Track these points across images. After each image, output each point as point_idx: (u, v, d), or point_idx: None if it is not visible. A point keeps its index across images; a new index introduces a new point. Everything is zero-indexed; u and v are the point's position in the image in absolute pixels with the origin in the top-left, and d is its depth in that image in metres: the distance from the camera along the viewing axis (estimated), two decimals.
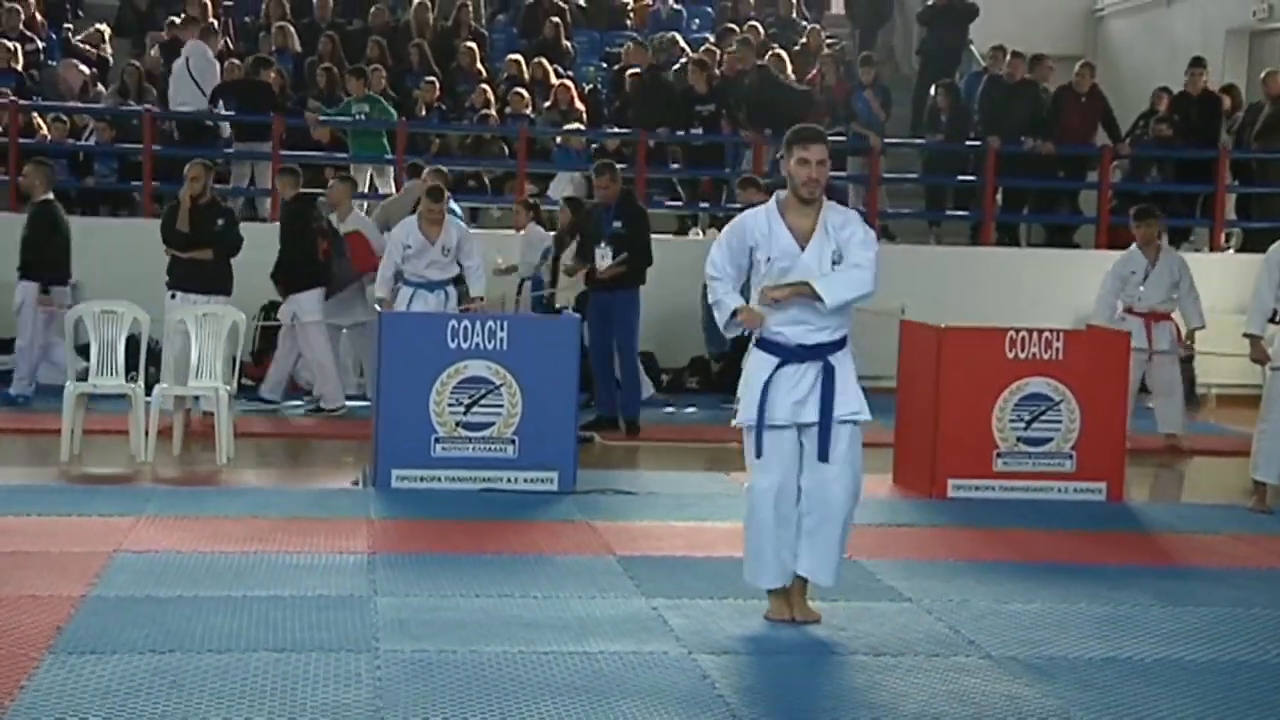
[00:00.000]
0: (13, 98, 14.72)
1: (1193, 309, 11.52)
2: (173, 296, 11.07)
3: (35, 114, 15.10)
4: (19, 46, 15.85)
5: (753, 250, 6.20)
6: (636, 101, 15.42)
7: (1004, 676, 5.71)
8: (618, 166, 12.14)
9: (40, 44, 16.56)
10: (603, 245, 11.31)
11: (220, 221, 11.19)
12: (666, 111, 15.18)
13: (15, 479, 9.28)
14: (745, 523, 6.33)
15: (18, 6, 16.44)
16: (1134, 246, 11.67)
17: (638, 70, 15.76)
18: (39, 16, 17.17)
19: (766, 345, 6.23)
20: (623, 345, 11.53)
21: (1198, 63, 15.84)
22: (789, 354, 6.18)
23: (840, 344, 6.25)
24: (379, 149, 15.21)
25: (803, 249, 6.13)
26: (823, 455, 6.18)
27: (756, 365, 6.25)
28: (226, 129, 15.45)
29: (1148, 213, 11.72)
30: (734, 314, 6.21)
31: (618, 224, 11.38)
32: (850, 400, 6.22)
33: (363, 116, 15.05)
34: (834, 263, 6.14)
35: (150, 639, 5.76)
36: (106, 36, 16.91)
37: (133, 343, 10.18)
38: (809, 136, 6.21)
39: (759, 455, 6.21)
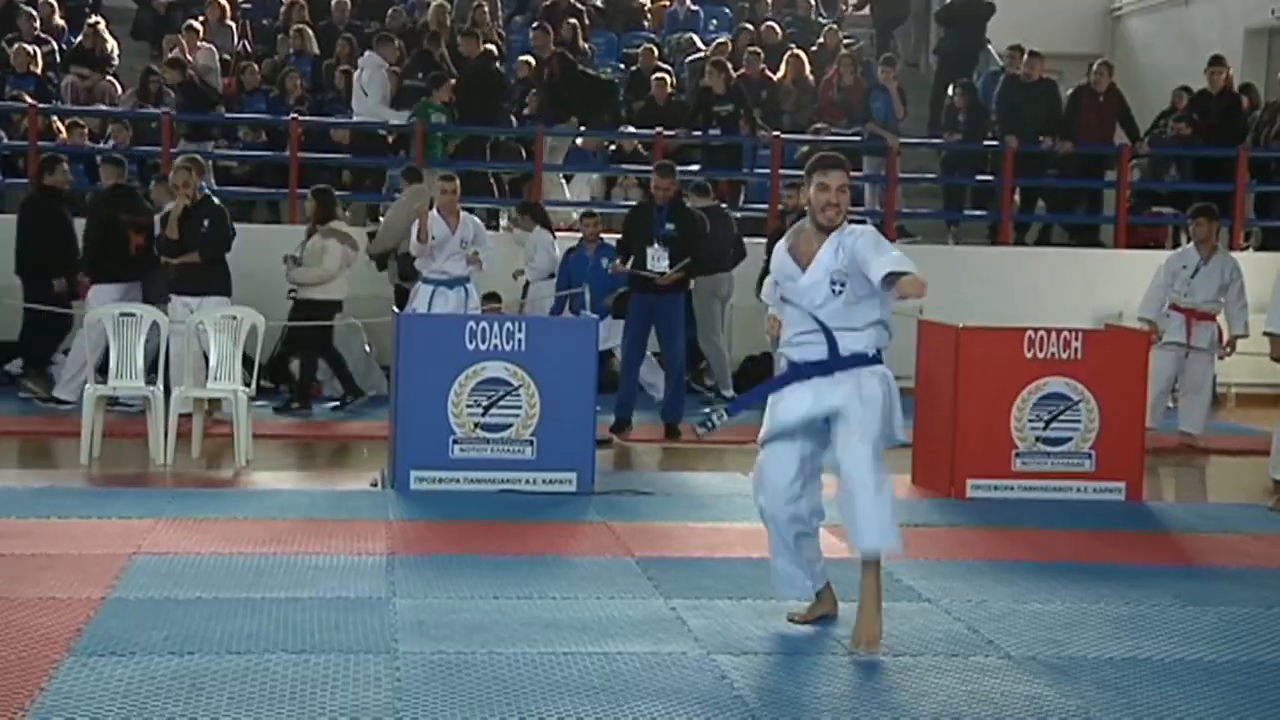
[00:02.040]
0: (31, 101, 14.78)
1: (1238, 315, 11.47)
2: (167, 300, 11.09)
3: (54, 117, 15.16)
4: (37, 50, 15.91)
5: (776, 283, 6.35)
6: (550, 88, 15.39)
7: (1023, 676, 5.70)
8: (675, 167, 11.94)
9: (58, 47, 16.61)
10: (655, 246, 11.21)
11: (206, 222, 11.16)
12: (586, 101, 15.27)
13: (36, 481, 9.32)
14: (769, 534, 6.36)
15: (34, 11, 16.51)
16: (1190, 243, 11.67)
17: (555, 51, 15.76)
18: (58, 19, 17.23)
19: (786, 357, 6.30)
20: (669, 349, 11.44)
21: (1218, 61, 15.78)
22: (799, 367, 6.18)
23: (856, 360, 6.09)
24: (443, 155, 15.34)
25: (803, 270, 6.10)
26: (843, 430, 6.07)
27: (774, 383, 6.36)
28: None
29: (1205, 210, 11.67)
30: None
31: (670, 226, 11.32)
32: (870, 427, 6.09)
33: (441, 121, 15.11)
34: (838, 282, 6.01)
35: (170, 640, 5.78)
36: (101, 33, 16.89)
37: (151, 346, 10.21)
38: (829, 164, 6.16)
39: (762, 475, 6.24)
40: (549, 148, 15.48)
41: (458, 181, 11.93)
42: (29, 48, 15.81)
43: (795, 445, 6.15)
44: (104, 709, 4.98)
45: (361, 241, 12.89)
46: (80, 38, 16.64)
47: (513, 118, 15.57)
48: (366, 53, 15.59)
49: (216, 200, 11.64)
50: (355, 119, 15.33)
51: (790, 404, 6.14)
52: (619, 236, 12.04)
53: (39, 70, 15.74)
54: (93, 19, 16.78)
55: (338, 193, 15.22)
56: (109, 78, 16.00)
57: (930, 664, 5.82)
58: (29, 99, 14.88)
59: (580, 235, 13.36)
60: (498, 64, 15.98)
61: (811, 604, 6.37)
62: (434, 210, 11.69)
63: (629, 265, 11.31)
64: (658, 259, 11.17)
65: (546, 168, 15.39)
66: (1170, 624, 6.51)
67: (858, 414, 6.03)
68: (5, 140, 15.00)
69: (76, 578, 6.70)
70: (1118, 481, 9.33)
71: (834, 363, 6.07)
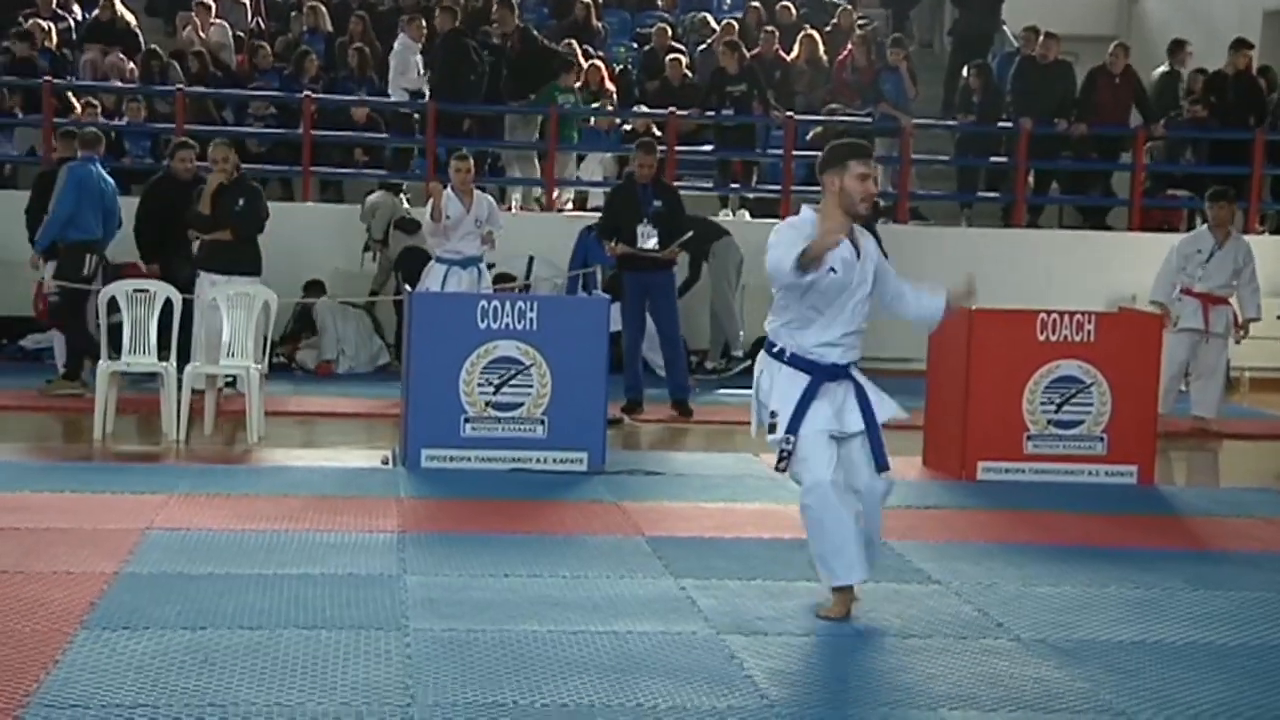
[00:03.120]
0: (48, 77, 14.79)
1: (1251, 299, 11.43)
2: (197, 276, 11.10)
3: (70, 94, 15.17)
4: (52, 25, 15.92)
5: None
6: (438, 63, 15.37)
7: (1033, 659, 5.70)
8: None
9: (73, 22, 16.62)
10: (645, 224, 11.22)
11: (241, 201, 11.15)
12: (544, 74, 15.26)
13: (49, 457, 9.36)
14: (815, 524, 6.05)
15: None
16: (1203, 226, 11.60)
17: (517, 27, 15.75)
18: None
19: (798, 363, 6.09)
20: (666, 326, 11.41)
21: (1241, 43, 15.69)
22: (822, 372, 6.08)
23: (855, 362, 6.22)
24: (573, 138, 15.43)
25: (859, 259, 6.09)
26: (880, 462, 6.11)
27: (788, 380, 6.09)
28: None
29: (1222, 194, 11.56)
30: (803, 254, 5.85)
31: (658, 203, 11.32)
32: (887, 405, 6.18)
33: (569, 105, 15.14)
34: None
35: (182, 615, 5.80)
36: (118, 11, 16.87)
37: (165, 321, 10.23)
38: (866, 152, 6.24)
39: (807, 458, 6.02)
40: (523, 122, 15.50)
41: (471, 160, 11.94)
42: (44, 23, 15.81)
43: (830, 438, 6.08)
44: (117, 682, 5.01)
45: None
46: (97, 11, 16.63)
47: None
48: (400, 35, 15.58)
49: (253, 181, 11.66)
50: (391, 99, 15.32)
51: (820, 410, 6.03)
52: (599, 216, 12.00)
53: (54, 46, 15.74)
54: None
55: (350, 171, 15.35)
56: (121, 55, 15.99)
57: (940, 646, 5.83)
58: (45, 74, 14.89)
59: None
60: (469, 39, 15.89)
61: (847, 597, 6.19)
62: (448, 189, 11.71)
63: (616, 245, 11.33)
64: (647, 237, 11.19)
65: (517, 145, 15.36)
66: (1181, 608, 6.51)
67: (876, 440, 6.14)
68: (21, 116, 15.02)
69: (90, 552, 6.73)
70: (1129, 465, 9.33)
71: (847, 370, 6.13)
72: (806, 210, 6.24)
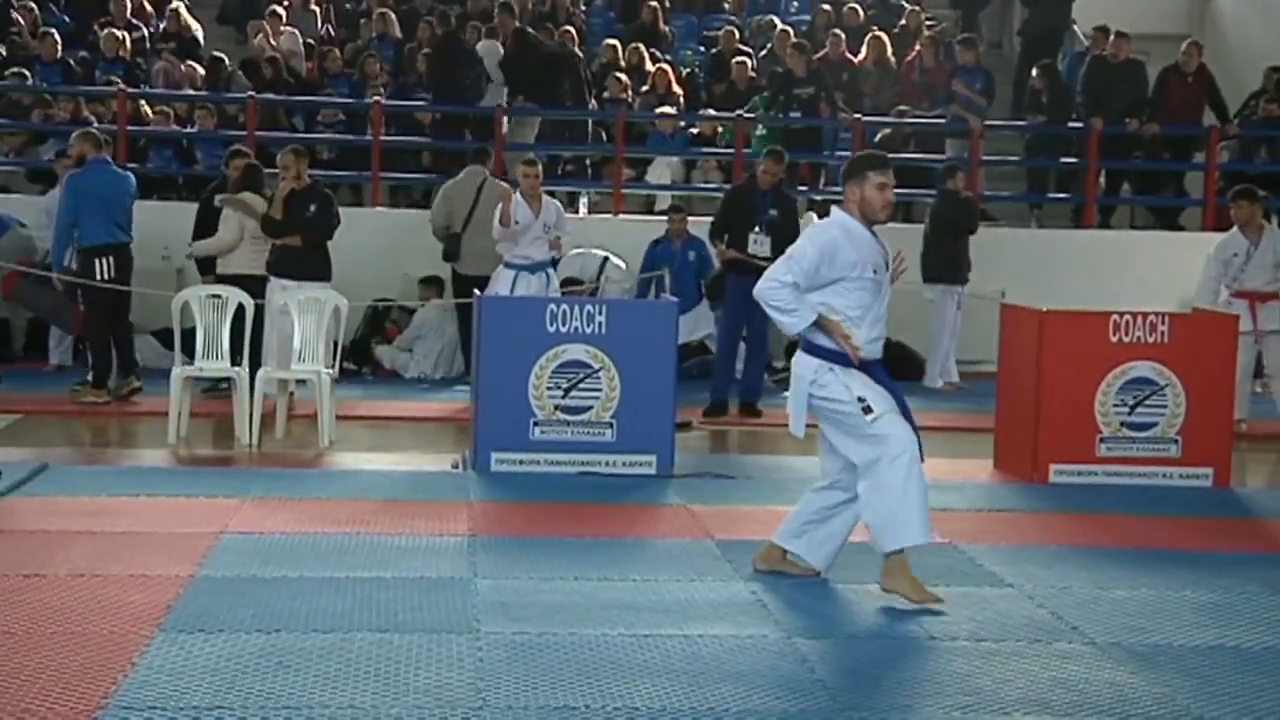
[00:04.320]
0: (121, 86, 14.99)
1: None
2: (267, 281, 11.19)
3: (142, 101, 15.37)
4: (126, 35, 16.13)
5: (852, 264, 6.33)
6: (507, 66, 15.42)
7: (1107, 663, 5.65)
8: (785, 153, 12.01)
9: (147, 32, 16.83)
10: (758, 230, 11.26)
11: (313, 207, 11.23)
12: (543, 76, 15.23)
13: (125, 461, 9.48)
14: (897, 482, 6.23)
15: None
16: (1235, 228, 11.46)
17: (516, 29, 15.77)
18: (146, 5, 17.45)
19: (838, 358, 6.34)
20: (759, 330, 11.51)
21: None
22: (868, 368, 6.40)
23: None
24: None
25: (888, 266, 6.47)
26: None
27: (848, 373, 6.34)
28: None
29: (1246, 193, 11.47)
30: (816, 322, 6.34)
31: (774, 212, 11.35)
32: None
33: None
34: None
35: (256, 618, 5.86)
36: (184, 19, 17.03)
37: (237, 327, 10.34)
38: (885, 163, 6.49)
39: (894, 432, 6.26)
40: (516, 124, 15.56)
41: (540, 166, 11.98)
42: (119, 33, 16.03)
43: None
44: (193, 685, 5.06)
45: None
46: (164, 23, 16.84)
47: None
48: (481, 41, 15.69)
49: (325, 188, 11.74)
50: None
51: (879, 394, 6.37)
52: (710, 219, 12.04)
53: (128, 55, 15.95)
54: (174, 4, 16.99)
55: (418, 175, 15.44)
56: (189, 62, 16.18)
57: (1013, 649, 5.79)
58: (119, 83, 15.10)
59: (666, 227, 13.41)
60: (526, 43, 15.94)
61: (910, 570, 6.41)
62: (517, 194, 11.75)
63: (726, 248, 11.38)
64: (760, 244, 11.22)
65: (516, 146, 15.41)
66: (1258, 612, 6.42)
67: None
68: (96, 124, 15.22)
69: (166, 555, 6.80)
70: (1205, 467, 9.22)
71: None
72: (836, 212, 6.51)
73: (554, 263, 12.00)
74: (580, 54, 15.79)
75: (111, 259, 11.40)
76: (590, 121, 15.98)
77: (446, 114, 15.24)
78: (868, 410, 6.26)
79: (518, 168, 12.28)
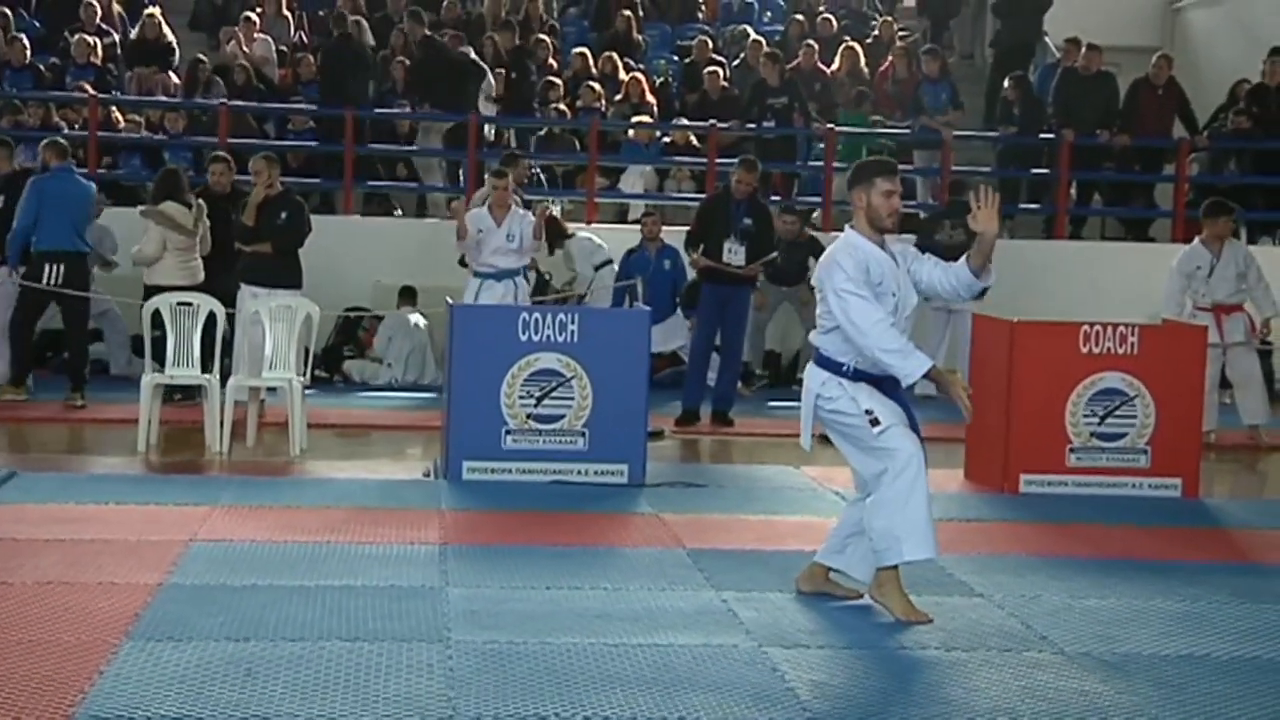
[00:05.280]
0: (92, 92, 14.93)
1: (1264, 298, 11.42)
2: (238, 289, 11.15)
3: (114, 108, 15.31)
4: (98, 40, 16.06)
5: (880, 282, 6.20)
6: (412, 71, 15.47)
7: (1078, 672, 5.66)
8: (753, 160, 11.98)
9: (118, 38, 16.76)
10: (732, 239, 11.32)
11: (284, 214, 11.20)
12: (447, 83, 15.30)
13: (94, 468, 9.42)
14: (900, 495, 6.15)
15: (95, 2, 16.65)
16: (1197, 241, 11.51)
17: (424, 36, 15.81)
18: (117, 9, 17.38)
19: (863, 377, 6.25)
20: (732, 339, 11.60)
21: (1278, 52, 15.60)
22: (878, 382, 6.30)
23: None
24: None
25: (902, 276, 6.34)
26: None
27: (859, 387, 6.26)
28: None
29: (1222, 208, 11.53)
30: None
31: (749, 220, 11.39)
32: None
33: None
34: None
35: (225, 627, 5.83)
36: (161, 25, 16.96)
37: (208, 334, 10.30)
38: (892, 169, 6.38)
39: (900, 445, 6.18)
40: (423, 129, 15.62)
41: (510, 178, 11.91)
42: (89, 39, 15.96)
43: None
44: (161, 693, 5.03)
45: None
46: (139, 28, 16.78)
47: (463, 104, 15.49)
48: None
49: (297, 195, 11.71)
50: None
51: (894, 408, 6.28)
52: (687, 228, 12.08)
53: (99, 61, 15.88)
54: (150, 9, 16.93)
55: (393, 184, 15.43)
56: (166, 72, 16.12)
57: (983, 659, 5.80)
58: (90, 89, 15.03)
59: (640, 234, 13.42)
60: (468, 49, 15.91)
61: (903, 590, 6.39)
62: (482, 205, 11.77)
63: (699, 257, 11.45)
64: (734, 252, 11.29)
65: (425, 152, 15.40)
66: (1227, 621, 6.45)
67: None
68: (67, 130, 15.15)
69: (135, 563, 6.77)
70: (1174, 478, 9.26)
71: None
72: (850, 233, 6.35)
73: (536, 270, 12.03)
74: (483, 64, 15.82)
75: (62, 266, 11.39)
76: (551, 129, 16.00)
77: (330, 116, 15.21)
78: (875, 423, 6.20)
79: (486, 178, 12.28)
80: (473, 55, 15.70)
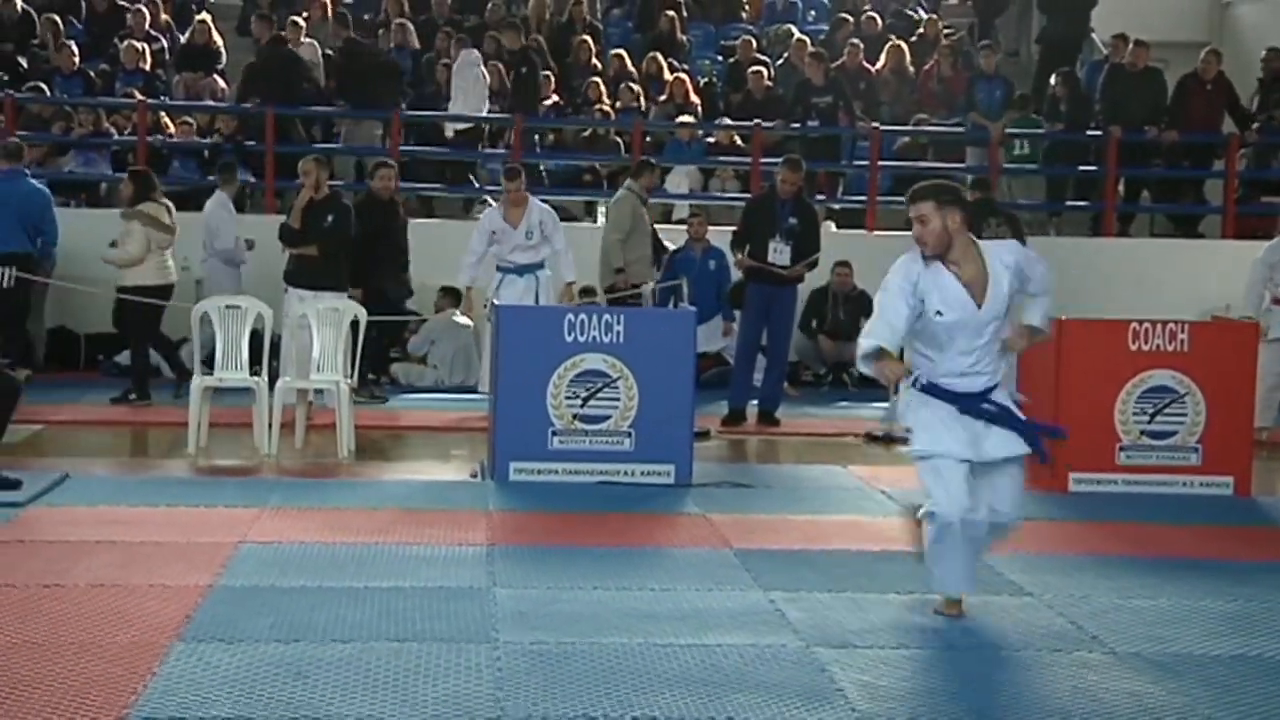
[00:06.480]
0: (140, 97, 15.05)
1: None
2: (286, 292, 11.22)
3: (162, 113, 15.42)
4: (146, 46, 16.19)
5: (923, 300, 5.98)
6: (258, 78, 15.41)
7: (1128, 672, 5.62)
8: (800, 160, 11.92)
9: (166, 44, 16.89)
10: (777, 239, 11.32)
11: (330, 217, 11.25)
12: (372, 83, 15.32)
13: (145, 471, 9.50)
14: (933, 545, 6.16)
15: (144, 9, 16.79)
16: None
17: (346, 37, 15.89)
18: (165, 17, 17.51)
19: (933, 391, 6.11)
20: (778, 339, 11.59)
21: None
22: (960, 402, 6.10)
23: (997, 385, 6.20)
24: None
25: (979, 305, 6.00)
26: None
27: (922, 403, 6.12)
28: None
29: None
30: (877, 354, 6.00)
31: (794, 220, 11.38)
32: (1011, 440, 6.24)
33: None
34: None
35: (275, 628, 5.87)
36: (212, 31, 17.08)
37: (256, 337, 10.36)
38: (915, 196, 6.03)
39: (936, 486, 6.08)
40: (350, 128, 15.77)
41: (521, 179, 11.89)
42: (138, 44, 16.09)
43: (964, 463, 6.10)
44: (212, 695, 5.06)
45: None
46: (189, 34, 16.89)
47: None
48: (461, 51, 15.68)
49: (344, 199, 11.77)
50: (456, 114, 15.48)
51: (954, 439, 6.07)
52: (733, 228, 12.06)
53: (147, 67, 16.01)
54: (200, 15, 17.04)
55: (439, 186, 15.49)
56: (212, 75, 16.23)
57: (1033, 659, 5.77)
58: (138, 94, 15.15)
59: (686, 234, 13.40)
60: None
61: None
62: (496, 205, 11.88)
63: (743, 258, 11.43)
64: (779, 252, 11.27)
65: (349, 150, 15.49)
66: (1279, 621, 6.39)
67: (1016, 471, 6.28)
68: (115, 135, 15.28)
69: (185, 565, 6.82)
70: (1225, 476, 9.19)
71: (985, 395, 6.13)
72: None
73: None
74: (398, 63, 15.98)
75: (14, 268, 11.47)
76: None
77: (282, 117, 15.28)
78: (911, 441, 6.19)
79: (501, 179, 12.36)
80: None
